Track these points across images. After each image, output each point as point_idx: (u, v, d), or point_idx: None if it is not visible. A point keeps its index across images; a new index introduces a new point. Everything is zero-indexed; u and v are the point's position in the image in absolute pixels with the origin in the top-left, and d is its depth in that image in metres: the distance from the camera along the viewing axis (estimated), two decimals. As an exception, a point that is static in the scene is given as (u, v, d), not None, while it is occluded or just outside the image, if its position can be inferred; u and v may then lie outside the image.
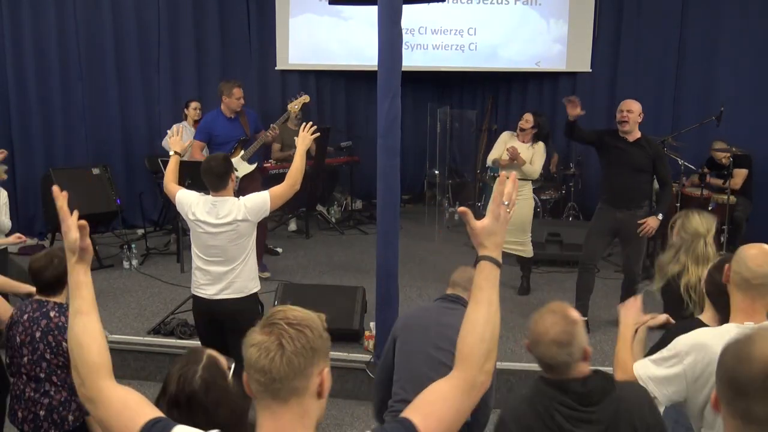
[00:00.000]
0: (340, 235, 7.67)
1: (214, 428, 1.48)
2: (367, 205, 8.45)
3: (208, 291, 3.56)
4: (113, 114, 7.66)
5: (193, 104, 7.08)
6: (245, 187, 3.97)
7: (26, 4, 7.16)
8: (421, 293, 5.63)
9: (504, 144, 5.66)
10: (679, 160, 6.45)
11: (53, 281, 2.81)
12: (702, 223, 3.13)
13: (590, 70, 7.99)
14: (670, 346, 2.22)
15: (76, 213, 1.58)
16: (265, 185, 6.60)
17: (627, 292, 4.68)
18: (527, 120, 5.62)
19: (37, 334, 2.73)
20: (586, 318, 4.84)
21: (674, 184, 6.66)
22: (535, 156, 5.57)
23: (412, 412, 1.38)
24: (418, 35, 8.24)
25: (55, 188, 1.61)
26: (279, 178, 7.36)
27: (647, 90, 7.72)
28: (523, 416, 2.00)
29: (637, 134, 4.69)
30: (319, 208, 8.01)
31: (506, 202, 1.50)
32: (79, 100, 7.53)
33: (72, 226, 1.56)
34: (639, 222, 4.61)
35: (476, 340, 1.43)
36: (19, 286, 3.36)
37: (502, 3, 8.13)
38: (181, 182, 5.25)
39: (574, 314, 2.05)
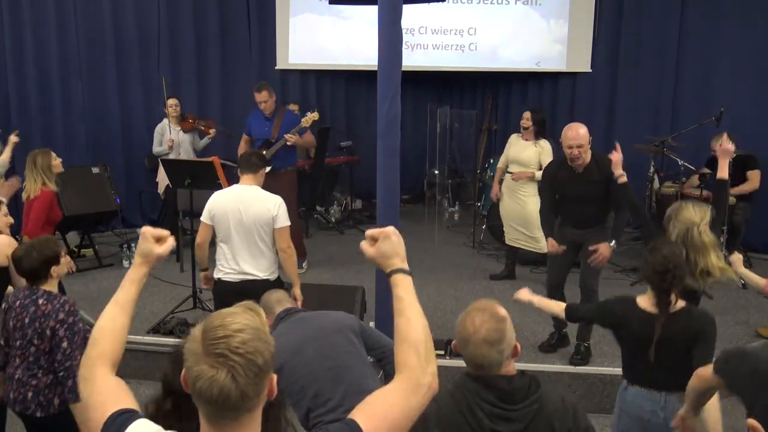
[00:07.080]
0: (340, 234, 7.67)
1: None
2: (367, 205, 8.45)
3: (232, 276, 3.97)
4: (113, 113, 7.65)
5: (170, 101, 6.93)
6: (268, 185, 4.08)
7: (26, 4, 7.16)
8: (420, 293, 5.61)
9: (509, 147, 5.88)
10: (678, 160, 6.45)
11: (31, 270, 2.93)
12: (695, 212, 2.99)
13: (590, 70, 7.99)
14: None
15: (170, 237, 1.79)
16: (299, 183, 6.61)
17: None
18: (527, 118, 5.77)
19: (26, 320, 2.88)
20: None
21: (674, 184, 6.67)
22: (542, 156, 5.66)
23: (356, 414, 1.41)
24: (418, 35, 8.23)
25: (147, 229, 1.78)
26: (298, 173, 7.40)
27: (647, 90, 7.72)
28: (446, 410, 1.97)
29: (587, 159, 4.24)
30: (319, 208, 8.01)
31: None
32: (79, 100, 7.53)
33: (165, 246, 1.77)
34: (591, 249, 4.22)
35: (411, 347, 1.52)
36: None
37: (502, 3, 8.13)
38: (180, 182, 5.29)
39: (502, 311, 2.05)
